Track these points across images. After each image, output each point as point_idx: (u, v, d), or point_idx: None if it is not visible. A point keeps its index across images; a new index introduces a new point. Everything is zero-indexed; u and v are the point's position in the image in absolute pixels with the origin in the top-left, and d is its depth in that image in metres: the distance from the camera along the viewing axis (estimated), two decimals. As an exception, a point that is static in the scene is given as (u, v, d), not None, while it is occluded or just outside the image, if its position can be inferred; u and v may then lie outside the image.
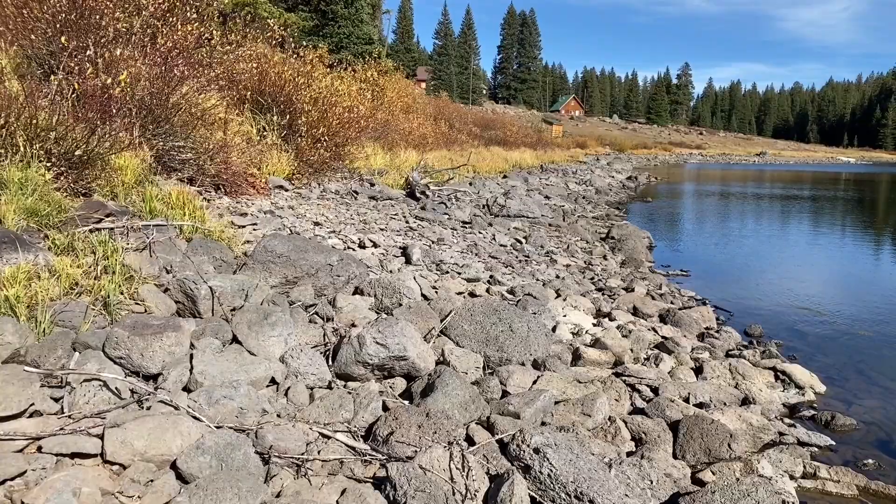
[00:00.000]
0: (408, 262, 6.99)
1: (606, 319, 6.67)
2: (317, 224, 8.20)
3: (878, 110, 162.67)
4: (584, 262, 10.32)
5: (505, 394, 4.32)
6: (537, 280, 7.79)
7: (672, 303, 8.31)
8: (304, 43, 16.83)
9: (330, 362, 4.08)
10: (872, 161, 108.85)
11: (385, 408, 3.74)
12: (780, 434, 4.63)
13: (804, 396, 5.65)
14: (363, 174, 13.30)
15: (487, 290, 6.61)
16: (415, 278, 6.07)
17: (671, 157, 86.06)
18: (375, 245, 7.44)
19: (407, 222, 9.96)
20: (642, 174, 41.19)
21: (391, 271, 6.46)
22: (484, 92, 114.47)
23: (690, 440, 4.04)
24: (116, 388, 3.30)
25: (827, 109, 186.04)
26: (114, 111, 6.75)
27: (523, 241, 10.74)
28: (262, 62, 11.90)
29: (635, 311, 7.21)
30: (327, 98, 11.70)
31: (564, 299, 6.89)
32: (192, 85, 8.70)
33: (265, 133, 11.50)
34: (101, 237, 4.70)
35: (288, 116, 11.69)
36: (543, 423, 3.90)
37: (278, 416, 3.48)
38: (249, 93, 11.67)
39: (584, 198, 22.61)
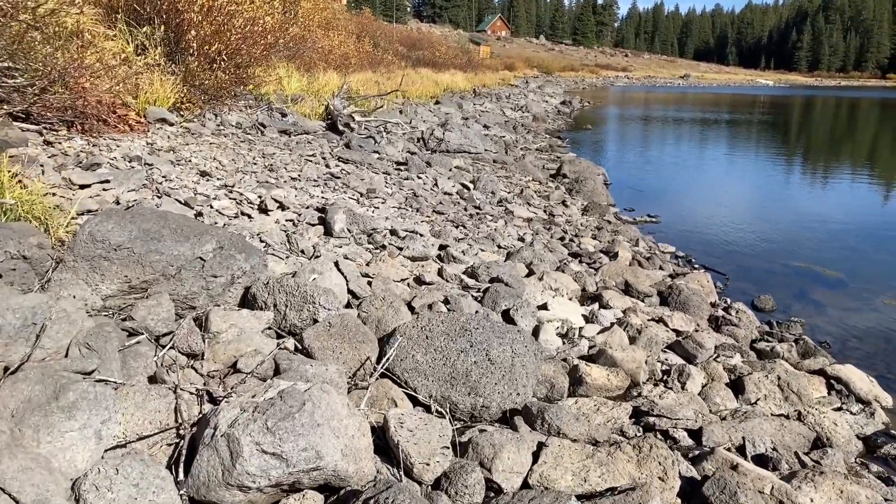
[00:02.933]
0: (328, 233, 5.05)
1: (598, 306, 4.98)
2: (203, 175, 6.09)
3: (794, 33, 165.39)
4: (546, 211, 8.59)
5: (491, 492, 2.58)
6: (499, 247, 6.00)
7: (661, 268, 6.73)
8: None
9: (179, 476, 2.20)
10: (789, 84, 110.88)
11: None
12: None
13: (874, 417, 4.15)
14: (273, 102, 11.01)
15: (440, 273, 4.78)
16: (337, 265, 4.17)
17: (599, 79, 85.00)
18: (282, 207, 5.44)
19: (327, 166, 7.91)
20: (574, 98, 39.77)
21: (302, 251, 4.52)
22: (408, 10, 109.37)
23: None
24: None
25: (746, 32, 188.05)
26: None
27: (471, 186, 8.88)
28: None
29: (627, 289, 5.55)
30: (224, 6, 9.27)
31: (540, 278, 5.14)
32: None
33: (145, 52, 9.06)
34: None
35: (174, 30, 9.25)
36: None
37: None
38: (123, -2, 9.14)
39: (522, 126, 20.82)
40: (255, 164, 7.19)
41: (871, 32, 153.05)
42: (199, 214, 4.72)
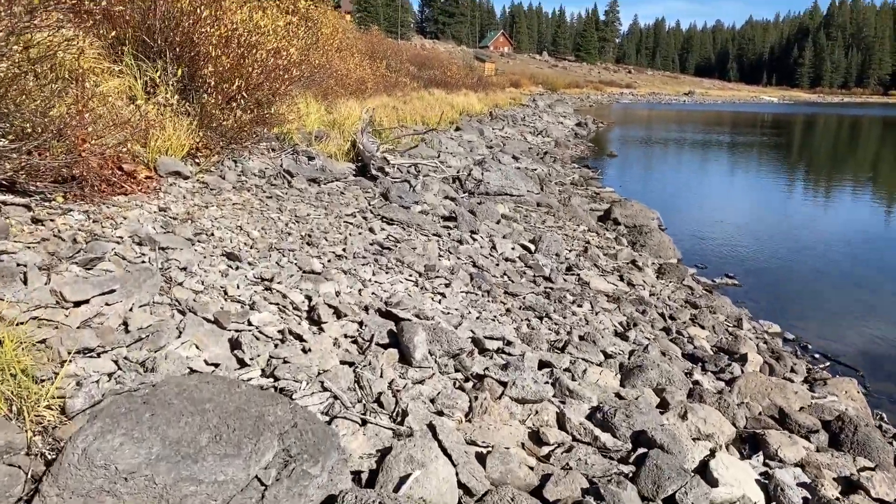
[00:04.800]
0: (404, 359, 3.79)
1: (762, 458, 3.73)
2: (231, 258, 4.82)
3: (795, 49, 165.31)
4: (623, 279, 7.33)
5: None
6: (606, 356, 4.72)
7: (794, 369, 5.47)
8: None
9: None
10: (793, 101, 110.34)
11: None
12: None
13: None
14: (297, 143, 9.77)
15: (561, 422, 3.51)
16: (437, 435, 2.91)
17: (604, 96, 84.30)
18: (338, 313, 4.16)
19: (371, 230, 6.64)
20: (588, 118, 38.81)
21: (380, 403, 3.25)
22: (411, 25, 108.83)
23: None
24: None
25: (747, 48, 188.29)
26: None
27: (531, 247, 7.62)
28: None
29: (783, 420, 4.27)
30: (245, 38, 8.02)
31: (683, 416, 3.87)
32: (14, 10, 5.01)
33: (155, 90, 7.83)
34: None
35: (188, 64, 8.03)
36: None
37: None
38: (131, 30, 7.91)
39: (548, 154, 19.63)
40: (289, 233, 5.92)
41: (873, 49, 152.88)
42: (238, 346, 3.45)
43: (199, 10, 7.93)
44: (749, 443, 3.98)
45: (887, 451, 4.13)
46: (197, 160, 7.50)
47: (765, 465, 3.77)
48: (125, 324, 3.45)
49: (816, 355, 6.25)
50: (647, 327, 5.76)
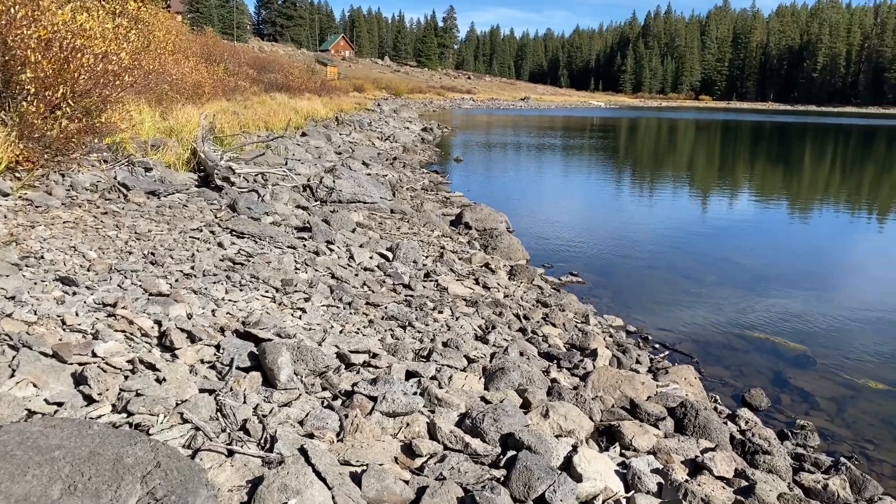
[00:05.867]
0: (268, 381, 3.63)
1: (618, 449, 3.97)
2: (66, 283, 4.40)
3: (618, 57, 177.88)
4: (478, 282, 7.51)
5: None
6: (469, 360, 4.81)
7: (638, 360, 5.87)
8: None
9: None
10: (618, 105, 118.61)
11: None
12: None
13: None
14: (131, 151, 9.12)
15: (432, 432, 3.52)
16: (309, 459, 2.82)
17: (446, 101, 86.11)
18: (192, 337, 3.92)
19: (221, 245, 6.33)
20: (433, 123, 39.50)
21: (246, 430, 3.10)
22: (248, 28, 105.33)
23: None
24: None
25: (575, 55, 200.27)
26: None
27: (389, 255, 7.62)
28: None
29: (634, 410, 4.57)
30: (69, 40, 7.36)
31: (545, 414, 4.03)
32: None
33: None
34: None
35: (1, 70, 7.25)
36: None
37: None
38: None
39: (397, 159, 19.80)
40: (130, 252, 5.51)
41: (685, 58, 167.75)
42: (83, 380, 3.15)
43: (12, 10, 7.20)
44: (606, 435, 4.21)
45: (724, 431, 4.53)
46: (17, 175, 6.81)
47: (622, 455, 4.01)
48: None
49: (657, 345, 6.75)
50: (505, 329, 5.95)
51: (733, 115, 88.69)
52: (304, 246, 7.15)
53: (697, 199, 17.88)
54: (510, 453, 3.41)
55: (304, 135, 19.63)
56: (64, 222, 5.96)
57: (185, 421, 3.05)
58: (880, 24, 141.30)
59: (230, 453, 2.91)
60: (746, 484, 3.78)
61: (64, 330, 3.74)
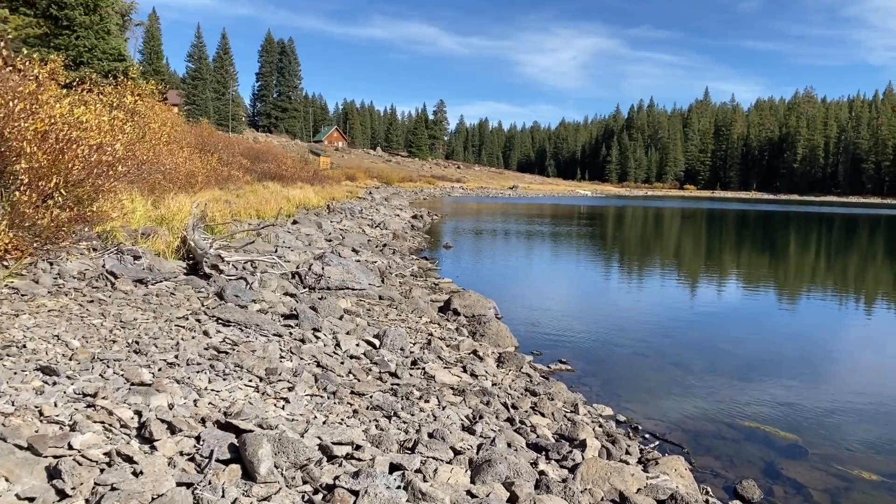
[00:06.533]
0: (247, 474, 3.55)
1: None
2: (47, 373, 4.34)
3: (603, 148, 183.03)
4: (466, 369, 7.46)
5: None
6: (456, 452, 4.72)
7: (628, 451, 5.77)
8: (26, 51, 12.07)
9: None
10: (604, 194, 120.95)
11: None
12: None
13: None
14: (121, 239, 9.19)
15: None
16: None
17: (436, 190, 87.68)
18: (172, 429, 3.85)
19: (206, 333, 6.31)
20: (423, 211, 40.14)
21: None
22: (243, 119, 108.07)
23: None
24: None
25: (562, 146, 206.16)
26: None
27: (376, 342, 7.59)
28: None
29: None
30: (65, 132, 7.55)
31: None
32: None
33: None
34: None
35: (-5, 158, 7.39)
36: None
37: None
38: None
39: (387, 246, 19.96)
40: (114, 341, 5.47)
41: (668, 149, 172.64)
42: (57, 474, 3.07)
43: (10, 103, 7.41)
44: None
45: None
46: (5, 263, 6.83)
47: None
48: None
49: (647, 435, 6.65)
50: (493, 419, 5.86)
51: (718, 203, 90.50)
52: (291, 334, 7.12)
53: (685, 287, 18.00)
54: (496, 550, 3.31)
55: (295, 223, 19.87)
56: (49, 311, 5.94)
57: (161, 517, 2.96)
58: (855, 118, 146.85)
59: (205, 551, 2.81)
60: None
61: (41, 421, 3.67)
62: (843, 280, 20.81)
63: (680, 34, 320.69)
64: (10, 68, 9.55)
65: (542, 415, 6.37)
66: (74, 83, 13.20)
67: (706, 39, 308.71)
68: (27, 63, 9.63)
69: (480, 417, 5.75)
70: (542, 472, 4.70)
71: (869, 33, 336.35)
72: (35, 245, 7.29)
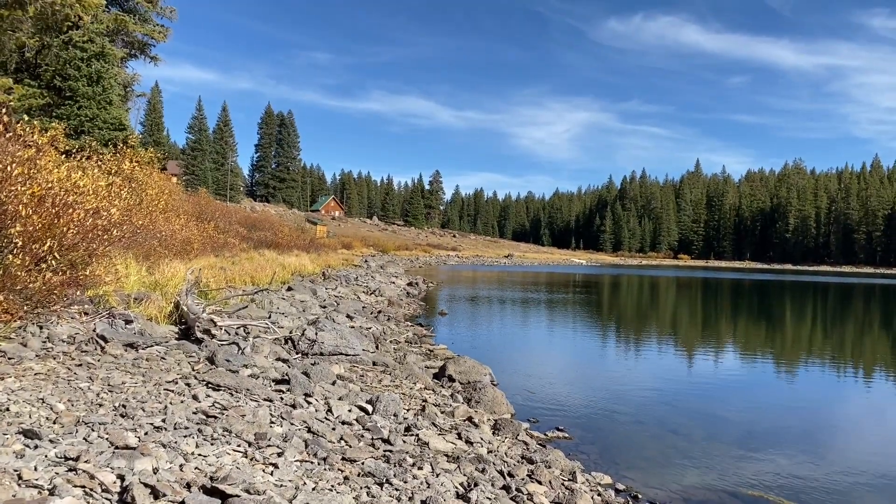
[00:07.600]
0: (234, 541, 3.42)
1: None
2: (29, 436, 4.22)
3: (597, 218, 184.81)
4: (461, 436, 7.29)
5: None
6: (450, 519, 4.56)
7: (628, 520, 5.59)
8: (28, 118, 12.28)
9: None
10: (599, 263, 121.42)
11: None
12: None
13: None
14: (113, 304, 9.12)
15: None
16: None
17: (432, 258, 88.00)
18: (156, 494, 3.72)
19: (195, 398, 6.18)
20: (418, 278, 40.12)
21: None
22: (241, 189, 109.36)
23: None
24: None
25: (556, 216, 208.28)
26: None
27: (369, 408, 7.45)
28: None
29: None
30: (61, 197, 7.60)
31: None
32: None
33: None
34: None
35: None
36: None
37: None
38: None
39: (382, 313, 19.86)
40: (100, 405, 5.34)
41: (662, 219, 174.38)
42: (30, 540, 2.95)
43: (8, 167, 7.47)
44: None
45: None
46: (-6, 326, 6.74)
47: None
48: None
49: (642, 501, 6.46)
50: (488, 486, 5.69)
51: (712, 272, 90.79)
52: (282, 399, 6.98)
53: (683, 355, 17.85)
54: None
55: (289, 289, 19.80)
56: (35, 374, 5.83)
57: (138, 585, 2.82)
58: (844, 189, 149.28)
59: None
60: None
61: (20, 485, 3.54)
62: (841, 349, 20.68)
63: (670, 108, 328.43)
64: (11, 134, 9.69)
65: (540, 483, 6.20)
66: (74, 151, 13.37)
67: (695, 113, 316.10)
68: (27, 129, 9.78)
69: (476, 485, 5.58)
70: (539, 542, 4.52)
71: (854, 107, 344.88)
72: (25, 308, 7.22)
